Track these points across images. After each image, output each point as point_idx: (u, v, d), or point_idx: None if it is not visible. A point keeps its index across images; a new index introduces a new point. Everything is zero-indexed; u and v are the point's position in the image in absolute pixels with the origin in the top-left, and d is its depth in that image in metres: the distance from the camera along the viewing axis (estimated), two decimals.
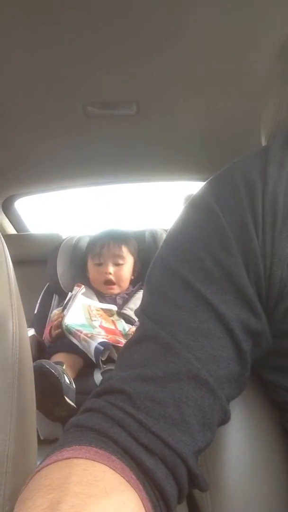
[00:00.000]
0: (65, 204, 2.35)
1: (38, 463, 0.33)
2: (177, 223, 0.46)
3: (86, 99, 1.20)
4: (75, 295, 1.44)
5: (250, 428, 0.45)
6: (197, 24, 0.93)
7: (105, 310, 1.44)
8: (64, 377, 1.09)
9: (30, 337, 0.79)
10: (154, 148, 1.56)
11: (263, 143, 0.55)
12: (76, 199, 2.32)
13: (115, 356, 1.26)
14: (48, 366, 1.06)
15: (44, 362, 1.09)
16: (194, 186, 1.91)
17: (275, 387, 0.43)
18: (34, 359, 1.08)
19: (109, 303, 1.51)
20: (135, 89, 1.17)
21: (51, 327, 1.40)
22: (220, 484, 0.43)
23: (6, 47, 0.96)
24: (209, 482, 0.41)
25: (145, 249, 1.68)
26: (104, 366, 1.23)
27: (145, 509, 0.30)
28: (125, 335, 1.35)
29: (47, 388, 1.04)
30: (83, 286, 1.49)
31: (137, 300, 1.51)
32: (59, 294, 1.65)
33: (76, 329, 1.29)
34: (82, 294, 1.46)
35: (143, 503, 0.30)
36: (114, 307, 1.46)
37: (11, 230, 2.01)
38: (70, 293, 1.50)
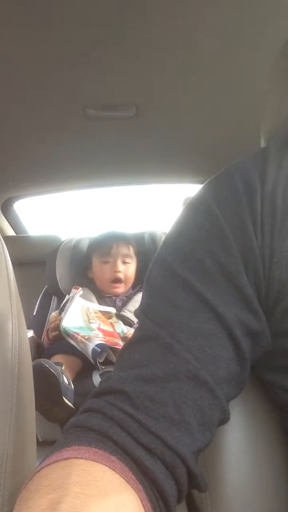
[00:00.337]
0: (64, 206, 2.35)
1: (37, 464, 0.33)
2: (176, 224, 0.46)
3: (85, 101, 1.20)
4: (73, 297, 1.44)
5: (250, 428, 0.45)
6: (196, 27, 0.93)
7: (103, 313, 1.44)
8: (62, 377, 1.09)
9: (29, 338, 0.79)
10: (153, 150, 1.56)
11: (262, 144, 0.55)
12: (75, 201, 2.32)
13: (112, 358, 1.26)
14: (47, 365, 1.06)
15: (43, 361, 1.09)
16: (194, 189, 1.91)
17: (275, 387, 0.43)
18: (33, 361, 1.08)
19: (108, 305, 1.51)
20: (134, 91, 1.18)
21: (48, 329, 1.40)
22: (220, 484, 0.43)
23: (6, 49, 0.96)
24: (209, 482, 0.41)
25: (144, 251, 1.68)
26: (103, 367, 1.23)
27: (145, 509, 0.30)
28: (123, 337, 1.35)
29: (46, 387, 1.04)
30: (80, 288, 1.49)
31: (135, 302, 1.51)
32: (58, 296, 1.65)
33: (73, 332, 1.29)
34: (80, 296, 1.46)
35: (142, 503, 0.30)
36: (112, 309, 1.46)
37: (10, 232, 2.01)
38: (67, 295, 1.50)
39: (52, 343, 1.37)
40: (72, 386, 1.12)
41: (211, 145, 1.51)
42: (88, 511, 0.26)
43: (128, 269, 1.55)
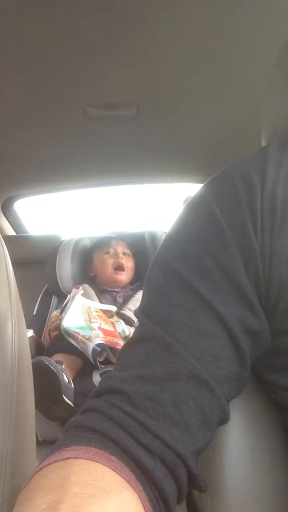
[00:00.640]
0: (64, 206, 2.35)
1: (37, 464, 0.33)
2: (176, 223, 0.46)
3: (86, 100, 1.20)
4: (73, 297, 1.44)
5: (250, 428, 0.45)
6: (197, 27, 0.93)
7: (104, 311, 1.44)
8: (63, 375, 1.09)
9: (29, 338, 0.79)
10: (154, 150, 1.56)
11: (263, 144, 0.55)
12: (75, 201, 2.32)
13: (112, 358, 1.26)
14: (47, 363, 1.06)
15: (43, 358, 1.09)
16: (194, 188, 1.91)
17: (275, 387, 0.43)
18: (33, 359, 1.07)
19: (108, 301, 1.52)
20: (135, 91, 1.18)
21: (50, 329, 1.40)
22: (220, 484, 0.43)
23: (5, 48, 0.96)
24: (209, 483, 0.41)
25: (144, 251, 1.69)
26: (103, 367, 1.23)
27: (145, 509, 0.30)
28: (124, 337, 1.35)
29: (46, 385, 1.04)
30: (81, 287, 1.49)
31: (136, 301, 1.51)
32: (58, 295, 1.66)
33: (74, 331, 1.29)
34: (81, 295, 1.46)
35: (142, 503, 0.30)
36: (114, 308, 1.46)
37: (10, 231, 2.01)
38: (68, 295, 1.50)
39: (52, 342, 1.37)
40: (72, 385, 1.12)
41: (211, 144, 1.51)
42: (88, 511, 0.26)
43: (127, 260, 1.61)
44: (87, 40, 0.96)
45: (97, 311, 1.42)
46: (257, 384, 0.46)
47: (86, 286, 1.56)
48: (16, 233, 2.04)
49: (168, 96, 1.20)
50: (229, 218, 0.41)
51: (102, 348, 1.23)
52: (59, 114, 1.27)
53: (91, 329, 1.33)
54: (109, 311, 1.44)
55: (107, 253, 1.60)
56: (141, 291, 1.55)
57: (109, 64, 1.04)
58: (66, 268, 1.65)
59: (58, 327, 1.35)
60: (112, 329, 1.38)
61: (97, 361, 1.21)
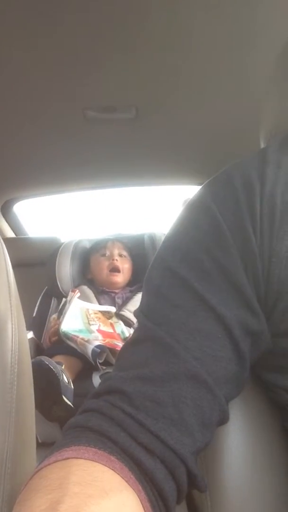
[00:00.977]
0: (64, 208, 2.36)
1: (37, 464, 0.33)
2: (175, 224, 0.46)
3: (85, 103, 1.20)
4: (70, 300, 1.44)
5: (250, 428, 0.45)
6: (196, 28, 0.93)
7: (103, 313, 1.44)
8: (62, 375, 1.09)
9: (28, 340, 0.79)
10: (153, 152, 1.57)
11: (262, 145, 0.55)
12: (74, 203, 2.33)
13: (111, 359, 1.26)
14: (47, 363, 1.06)
15: (43, 358, 1.09)
16: (194, 190, 1.91)
17: (275, 387, 0.43)
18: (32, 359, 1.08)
19: (107, 301, 1.52)
20: (134, 93, 1.18)
21: (49, 336, 1.41)
22: (220, 485, 0.43)
23: (6, 50, 0.96)
24: (208, 483, 0.41)
25: (144, 253, 1.69)
26: (104, 368, 1.23)
27: (144, 509, 0.30)
28: (123, 339, 1.35)
29: (45, 385, 1.04)
30: (77, 291, 1.49)
31: (136, 302, 1.51)
32: (58, 297, 1.66)
33: (73, 334, 1.29)
34: (78, 297, 1.46)
35: (142, 503, 0.30)
36: (112, 309, 1.46)
37: (9, 233, 2.01)
38: (64, 298, 1.50)
39: (53, 345, 1.38)
40: (72, 386, 1.12)
41: (211, 146, 1.51)
42: (88, 511, 0.26)
43: (123, 261, 1.62)
44: (86, 42, 0.96)
45: (95, 313, 1.42)
46: (257, 384, 0.46)
47: (85, 287, 1.57)
48: (16, 235, 2.04)
49: (167, 98, 1.21)
50: (228, 219, 0.41)
51: (102, 349, 1.23)
52: (58, 116, 1.27)
53: (90, 331, 1.33)
54: (108, 312, 1.44)
55: (103, 255, 1.61)
56: (141, 293, 1.56)
57: (108, 66, 1.05)
58: (65, 270, 1.65)
59: (56, 332, 1.35)
60: (111, 330, 1.38)
61: (97, 363, 1.21)
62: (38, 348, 1.39)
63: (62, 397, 1.05)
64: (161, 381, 0.36)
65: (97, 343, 1.25)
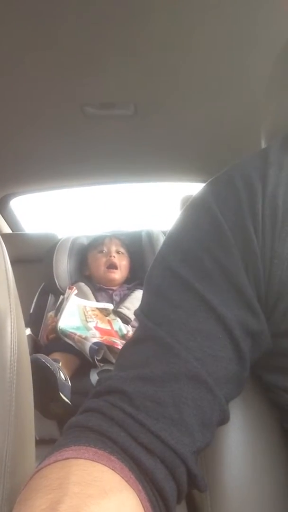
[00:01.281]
0: (61, 204, 2.35)
1: (36, 463, 0.33)
2: (177, 224, 0.46)
3: (84, 99, 1.20)
4: (67, 297, 1.44)
5: (250, 429, 0.45)
6: (196, 26, 0.93)
7: (101, 310, 1.44)
8: (59, 372, 1.09)
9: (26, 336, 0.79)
10: (152, 148, 1.56)
11: (263, 145, 0.55)
12: (72, 199, 2.32)
13: (109, 356, 1.26)
14: (43, 360, 1.06)
15: (40, 356, 1.09)
16: (193, 188, 1.92)
17: (275, 387, 0.43)
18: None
19: (105, 298, 1.52)
20: (133, 89, 1.18)
21: (47, 333, 1.41)
22: (220, 485, 0.43)
23: (4, 47, 0.96)
24: (209, 483, 0.42)
25: (141, 250, 1.69)
26: (102, 365, 1.23)
27: (145, 509, 0.30)
28: (121, 336, 1.35)
29: (43, 382, 1.04)
30: (74, 288, 1.49)
31: (133, 299, 1.51)
32: (55, 293, 1.66)
33: (70, 332, 1.29)
34: (75, 294, 1.46)
35: (142, 503, 0.30)
36: (110, 306, 1.46)
37: (6, 229, 2.00)
38: (62, 296, 1.50)
39: (50, 342, 1.37)
40: (69, 383, 1.12)
41: (210, 144, 1.51)
42: (88, 511, 0.26)
43: (121, 257, 1.62)
44: (85, 39, 0.95)
45: (93, 310, 1.42)
46: (257, 385, 0.46)
47: (82, 284, 1.57)
48: (13, 231, 2.04)
49: (166, 94, 1.20)
50: (230, 220, 0.41)
51: (99, 346, 1.24)
52: (56, 112, 1.26)
53: (88, 329, 1.33)
54: (106, 309, 1.44)
55: (101, 251, 1.61)
56: (138, 290, 1.56)
57: (106, 62, 1.04)
58: (63, 267, 1.65)
59: (54, 329, 1.35)
60: (108, 327, 1.38)
61: (95, 359, 1.21)
62: (35, 345, 1.39)
63: (60, 394, 1.05)
64: (161, 381, 0.36)
65: (94, 340, 1.25)
